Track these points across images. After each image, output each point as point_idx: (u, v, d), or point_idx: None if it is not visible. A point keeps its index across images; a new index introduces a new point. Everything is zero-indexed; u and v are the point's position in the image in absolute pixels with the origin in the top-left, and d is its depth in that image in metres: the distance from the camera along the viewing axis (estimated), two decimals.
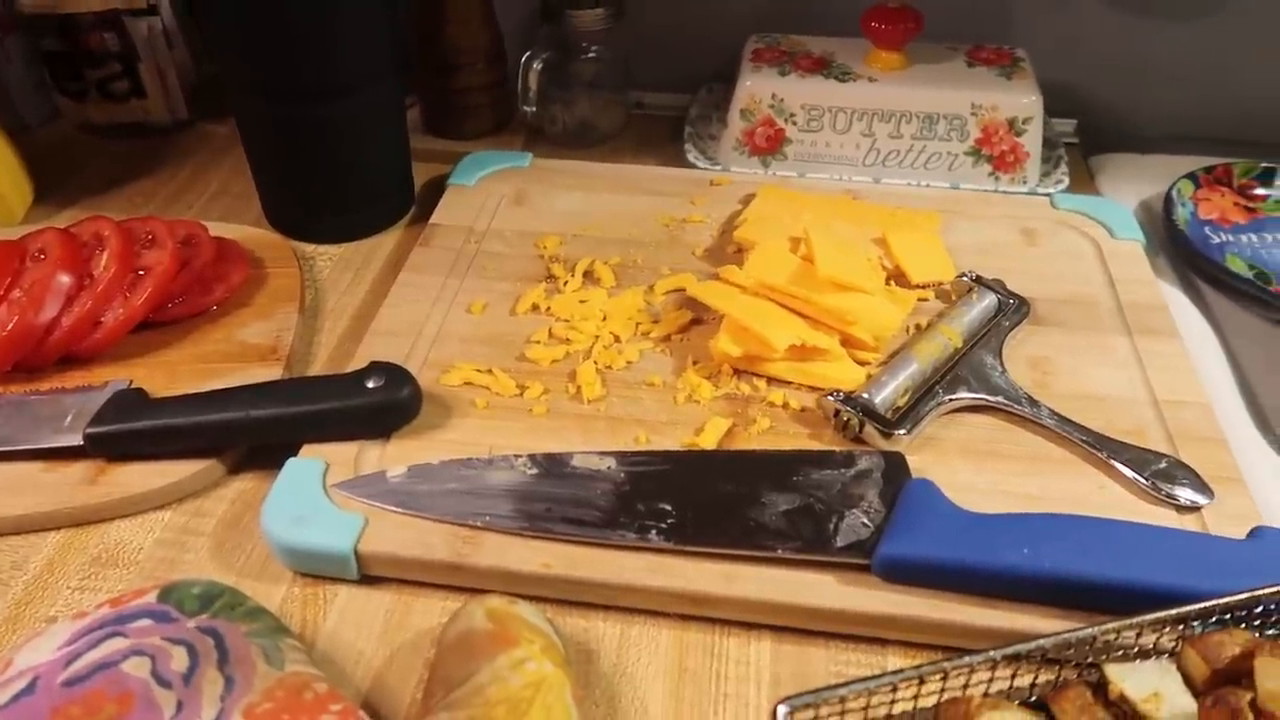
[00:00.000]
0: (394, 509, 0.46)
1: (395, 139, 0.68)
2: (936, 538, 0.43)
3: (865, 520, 0.45)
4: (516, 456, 0.48)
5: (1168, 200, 0.68)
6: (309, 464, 0.48)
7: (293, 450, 0.49)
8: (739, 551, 0.44)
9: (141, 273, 0.57)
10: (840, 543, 0.44)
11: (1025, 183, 0.70)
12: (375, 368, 0.50)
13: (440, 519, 0.45)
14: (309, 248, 0.67)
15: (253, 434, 0.49)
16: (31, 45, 0.77)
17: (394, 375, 0.50)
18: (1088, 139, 0.79)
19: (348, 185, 0.66)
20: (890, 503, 0.45)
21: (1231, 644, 0.36)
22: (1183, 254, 0.66)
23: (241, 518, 0.49)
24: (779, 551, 0.43)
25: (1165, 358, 0.55)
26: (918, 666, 0.35)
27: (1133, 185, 0.73)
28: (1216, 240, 0.66)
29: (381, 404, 0.49)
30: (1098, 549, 0.42)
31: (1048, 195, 0.69)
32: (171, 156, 0.78)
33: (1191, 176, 0.70)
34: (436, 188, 0.71)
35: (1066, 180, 0.70)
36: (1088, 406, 0.52)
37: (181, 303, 0.58)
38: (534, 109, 0.76)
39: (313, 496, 0.46)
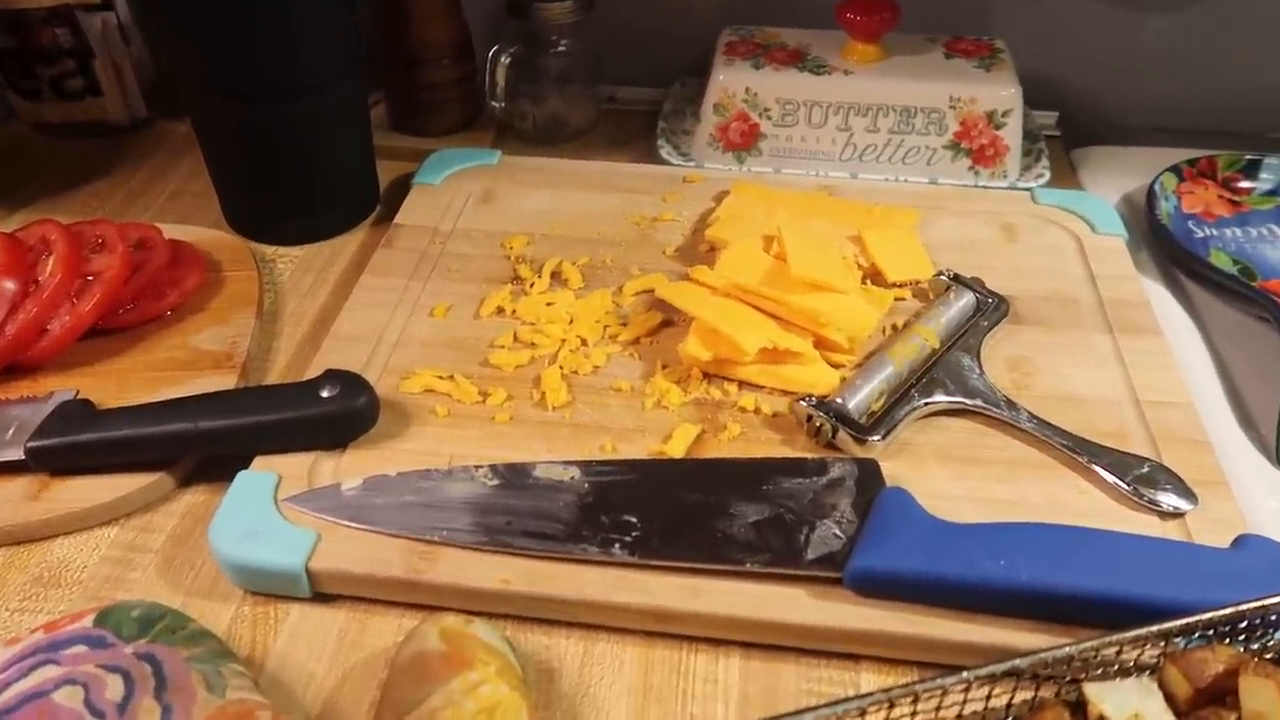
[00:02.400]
0: (348, 523, 0.44)
1: (359, 138, 0.66)
2: (910, 549, 0.41)
3: (837, 531, 0.43)
4: (477, 467, 0.46)
5: (1150, 194, 0.66)
6: (261, 477, 0.46)
7: (245, 462, 0.47)
8: (706, 565, 0.42)
9: (90, 278, 0.54)
10: (811, 555, 0.42)
11: (1005, 177, 0.69)
12: (330, 376, 0.48)
13: (396, 534, 0.44)
14: (269, 250, 0.65)
15: (202, 446, 0.48)
16: None
17: (350, 383, 0.48)
18: (1069, 131, 0.77)
19: (309, 186, 0.64)
20: (863, 513, 0.44)
21: (1215, 661, 0.34)
22: (1166, 249, 0.64)
23: (191, 533, 0.47)
24: (747, 565, 0.42)
25: (1148, 356, 0.54)
26: (887, 690, 0.33)
27: (1115, 178, 0.72)
28: (1200, 234, 0.65)
29: (336, 414, 0.47)
30: (1077, 560, 0.40)
31: (1028, 190, 0.67)
32: (129, 156, 0.76)
33: (1175, 169, 0.69)
34: (402, 186, 0.69)
35: (1048, 174, 0.69)
36: (1068, 408, 0.50)
37: (133, 309, 0.56)
38: (502, 105, 0.74)
39: (263, 511, 0.44)
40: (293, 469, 0.47)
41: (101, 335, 0.55)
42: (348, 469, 0.47)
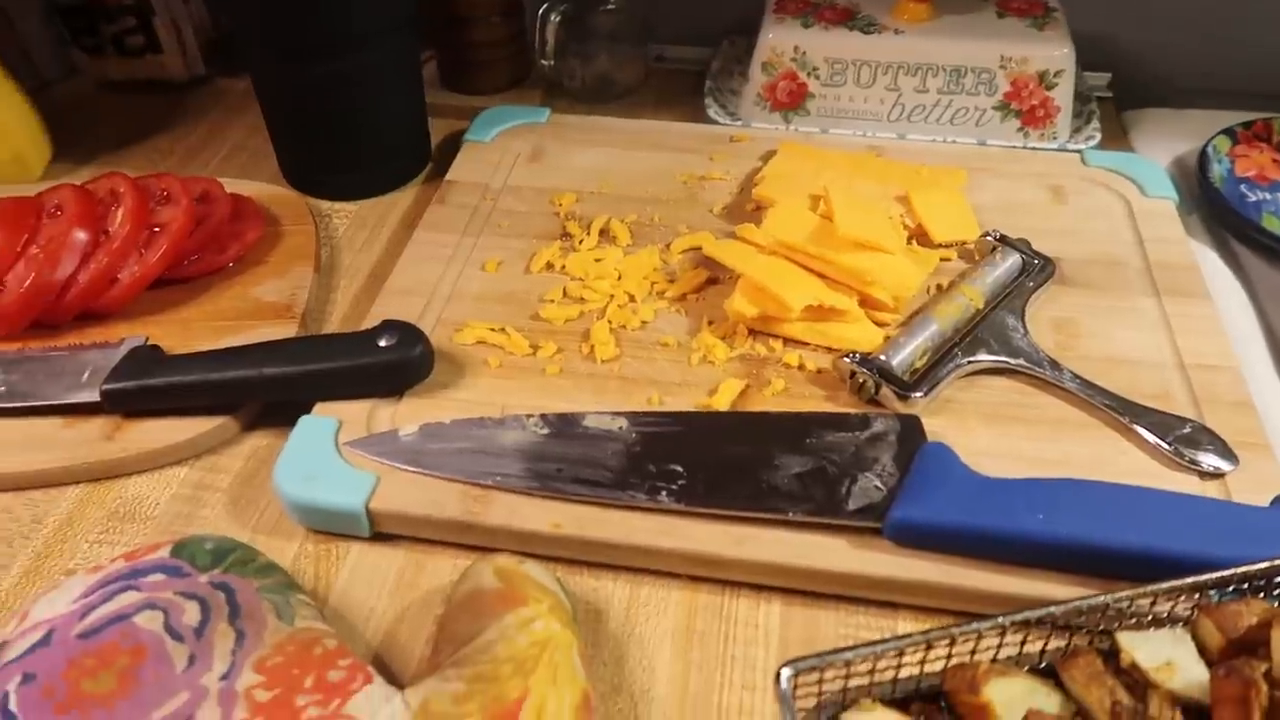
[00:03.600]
0: (405, 467, 0.46)
1: (411, 94, 0.67)
2: (950, 502, 0.42)
3: (878, 484, 0.44)
4: (528, 416, 0.48)
5: (1203, 157, 0.66)
6: (322, 422, 0.48)
7: (306, 408, 0.49)
8: (750, 514, 0.43)
9: (157, 230, 0.56)
10: (852, 506, 0.43)
11: (1055, 139, 0.68)
12: (388, 326, 0.50)
13: (451, 478, 0.45)
14: (325, 205, 0.66)
15: (266, 392, 0.50)
16: (49, 0, 0.77)
17: (406, 334, 0.50)
18: (1122, 93, 0.76)
19: (363, 141, 0.65)
20: (904, 466, 0.45)
21: (1249, 614, 0.35)
22: (1217, 213, 0.64)
23: (256, 474, 0.49)
24: (790, 514, 0.43)
25: (1194, 320, 0.54)
26: (925, 632, 0.34)
27: (1167, 141, 0.71)
28: (1253, 198, 0.64)
29: (393, 363, 0.49)
30: (1114, 515, 0.41)
31: (1078, 152, 0.67)
32: (188, 112, 0.78)
33: (1229, 132, 0.68)
34: (454, 144, 0.70)
35: (1098, 136, 0.68)
36: (1112, 370, 0.51)
37: (197, 260, 0.58)
38: (551, 63, 0.74)
39: (325, 454, 0.46)
40: (352, 415, 0.49)
41: (167, 285, 0.57)
42: (404, 416, 0.49)
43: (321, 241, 0.63)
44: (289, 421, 0.48)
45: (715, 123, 0.71)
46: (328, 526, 0.46)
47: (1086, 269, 0.57)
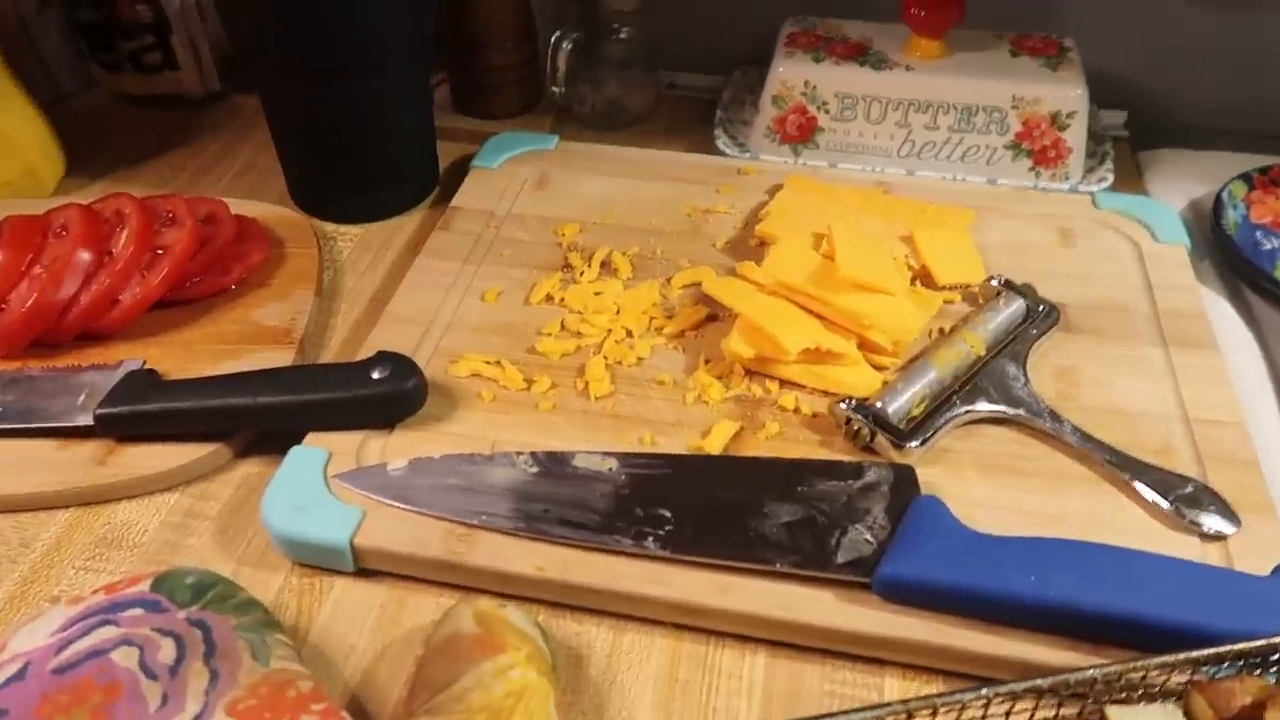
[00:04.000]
0: (392, 503, 0.46)
1: (421, 117, 0.67)
2: (940, 559, 0.41)
3: (868, 536, 0.43)
4: (518, 454, 0.48)
5: (1218, 202, 0.65)
6: (312, 453, 0.48)
7: (298, 437, 0.49)
8: (737, 563, 0.43)
9: (160, 251, 0.57)
10: (841, 559, 0.42)
11: (1068, 179, 0.67)
12: (382, 357, 0.50)
13: (437, 515, 0.45)
14: (330, 227, 0.67)
15: (259, 420, 0.50)
16: (68, 17, 0.77)
17: (400, 366, 0.49)
18: (1138, 133, 0.75)
19: (371, 164, 0.65)
20: (896, 519, 0.44)
21: (1243, 692, 0.34)
22: (1230, 260, 0.63)
23: (246, 503, 0.49)
24: (777, 565, 0.42)
25: (1201, 371, 0.53)
26: (905, 701, 0.34)
27: (1183, 184, 0.70)
28: (1268, 246, 0.63)
29: (386, 396, 0.49)
30: (1109, 579, 0.40)
31: (1090, 193, 0.66)
32: (202, 129, 0.78)
33: (1245, 177, 0.67)
34: (462, 168, 0.70)
35: (1111, 178, 0.67)
36: (1114, 421, 0.50)
37: (199, 282, 0.58)
38: (562, 89, 0.74)
39: (313, 487, 0.46)
40: (343, 446, 0.48)
41: (169, 307, 0.57)
42: (395, 449, 0.49)
43: (325, 265, 0.63)
44: (281, 449, 0.48)
45: (723, 154, 0.71)
46: (313, 560, 0.45)
47: (1092, 315, 0.56)
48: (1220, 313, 0.59)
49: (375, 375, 0.49)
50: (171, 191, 0.65)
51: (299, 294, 0.59)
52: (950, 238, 0.59)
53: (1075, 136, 0.66)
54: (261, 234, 0.62)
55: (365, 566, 0.45)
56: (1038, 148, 0.67)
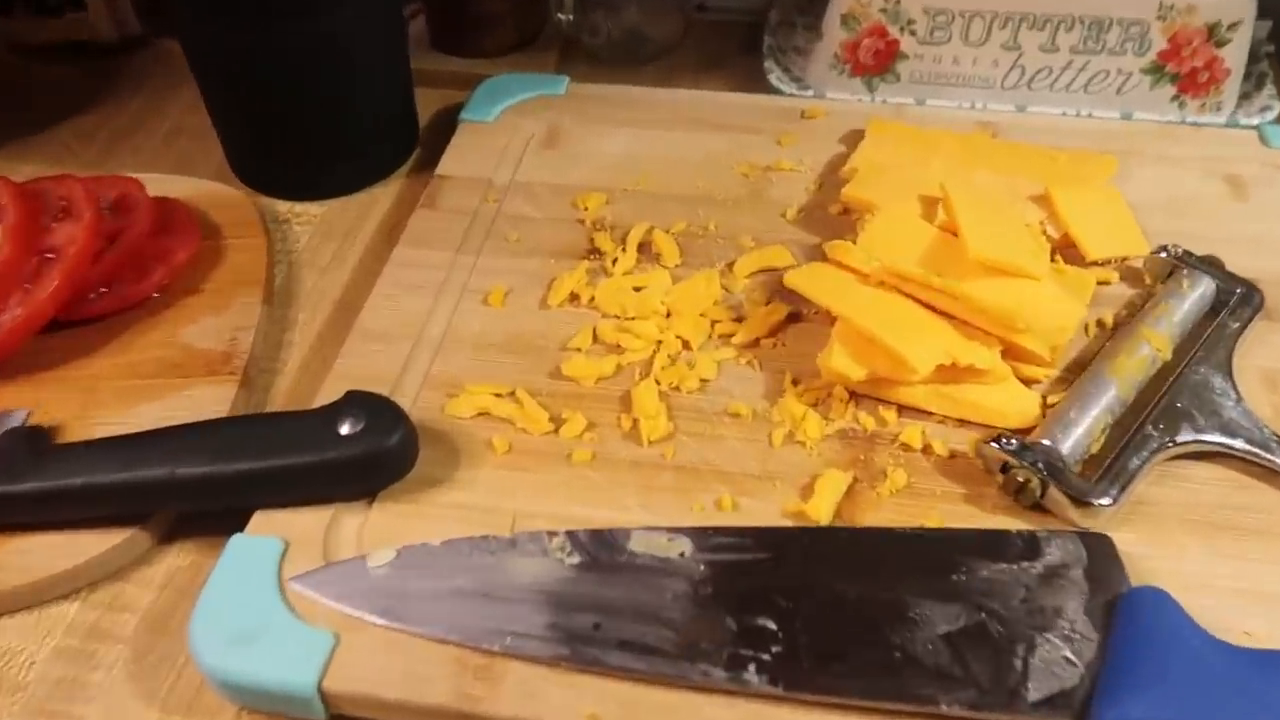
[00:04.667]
0: (377, 620, 0.32)
1: (391, 61, 0.52)
2: (1190, 697, 0.28)
3: (1068, 654, 0.30)
4: (551, 534, 0.34)
5: None
6: (260, 544, 0.34)
7: (241, 516, 0.35)
8: (881, 703, 0.30)
9: (50, 255, 0.42)
10: (1035, 694, 0.29)
11: (1220, 109, 0.53)
12: (353, 402, 0.36)
13: (443, 638, 0.32)
14: (282, 207, 0.52)
15: (185, 498, 0.36)
16: None
17: (378, 414, 0.36)
18: None
19: (330, 125, 0.50)
20: (1103, 624, 0.31)
21: None
22: None
23: (173, 613, 0.35)
24: (943, 706, 0.29)
25: None
26: None
27: None
28: None
29: (360, 459, 0.35)
30: None
31: (1253, 128, 0.51)
32: (120, 83, 0.62)
33: None
34: (447, 123, 0.55)
35: (1277, 107, 0.53)
36: None
37: (106, 294, 0.44)
38: (570, 17, 0.59)
39: (262, 598, 0.33)
40: (303, 531, 0.35)
41: (64, 329, 0.43)
42: (377, 532, 0.35)
43: (276, 259, 0.49)
44: (222, 528, 0.35)
45: (778, 92, 0.56)
46: (267, 708, 0.32)
47: None
48: None
49: (344, 430, 0.35)
50: (75, 170, 0.50)
51: (241, 302, 0.45)
52: (1098, 198, 0.45)
53: (1236, 55, 0.51)
54: (190, 222, 0.48)
55: (341, 714, 0.32)
56: (1185, 70, 0.52)
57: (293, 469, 0.35)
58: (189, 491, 0.35)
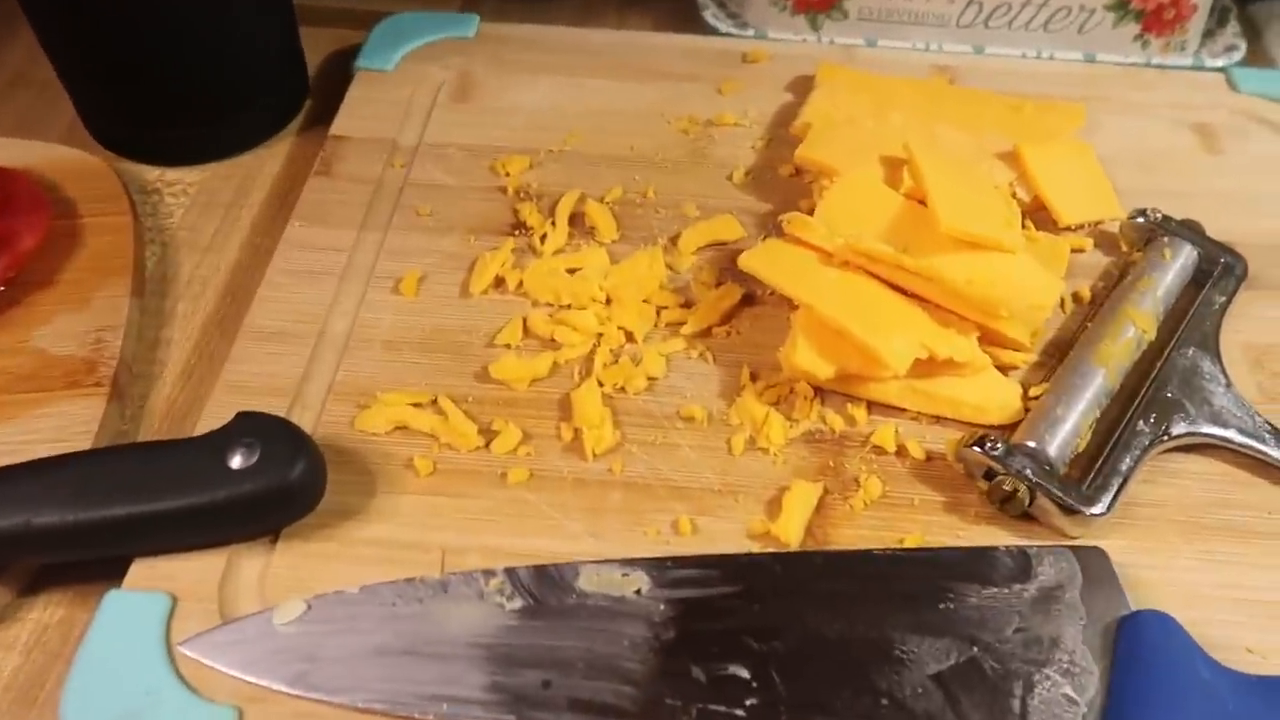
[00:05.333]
0: (286, 689, 0.27)
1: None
2: None
3: (1070, 691, 0.27)
4: (487, 574, 0.30)
5: None
6: (141, 601, 0.29)
7: (118, 567, 0.30)
8: None
9: None
10: None
11: (1184, 49, 0.50)
12: (244, 428, 0.30)
13: (366, 707, 0.27)
14: (151, 174, 0.45)
15: (42, 550, 0.30)
16: None
17: (275, 440, 0.30)
18: None
19: (200, 75, 0.43)
20: (1103, 653, 0.28)
21: None
22: None
23: (42, 681, 0.30)
24: None
25: None
26: None
27: None
28: None
29: (256, 495, 0.29)
30: None
31: (1220, 70, 0.48)
32: None
33: None
34: (342, 68, 0.48)
35: (1243, 46, 0.50)
36: None
37: None
38: None
39: (148, 667, 0.28)
40: (193, 583, 0.30)
41: None
42: (282, 579, 0.30)
43: (146, 239, 0.42)
44: (99, 574, 0.30)
45: (716, 31, 0.50)
46: None
47: (1273, 258, 0.40)
48: None
49: (236, 462, 0.30)
50: None
51: (107, 295, 0.38)
52: (1070, 154, 0.42)
53: None
54: (37, 197, 0.40)
55: None
56: (1150, 6, 0.48)
57: (174, 513, 0.29)
58: (49, 543, 0.29)
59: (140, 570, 0.30)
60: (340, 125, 0.44)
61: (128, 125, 0.45)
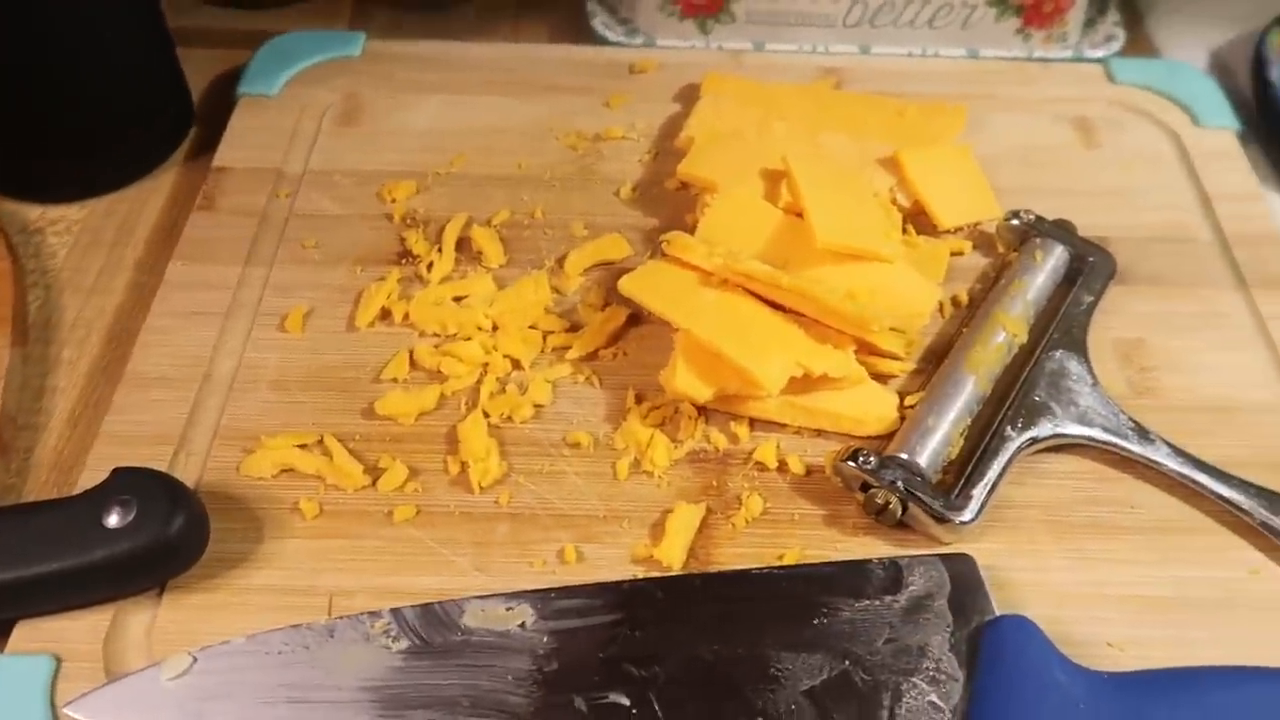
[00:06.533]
0: None
1: (143, 26, 0.44)
2: None
3: (934, 698, 0.28)
4: (373, 616, 0.30)
5: (1258, 58, 0.49)
6: (25, 664, 0.29)
7: (3, 628, 0.30)
8: None
9: None
10: None
11: (1065, 40, 0.51)
12: (120, 484, 0.30)
13: None
14: (32, 214, 0.44)
15: None
16: None
17: (152, 496, 0.30)
18: None
19: (73, 108, 0.42)
20: (969, 659, 0.29)
21: None
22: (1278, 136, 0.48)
23: None
24: None
25: None
26: None
27: (1197, 30, 0.54)
28: None
29: (134, 553, 0.30)
30: None
31: (1099, 61, 0.50)
32: None
33: None
34: (227, 92, 0.48)
35: (1122, 36, 0.51)
36: (1212, 425, 0.36)
37: None
38: None
39: None
40: (78, 642, 0.30)
41: None
42: (168, 632, 0.30)
43: (29, 282, 0.41)
44: None
45: (605, 40, 0.50)
46: None
47: (1146, 253, 0.41)
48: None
49: (113, 520, 0.30)
50: None
51: None
52: (949, 157, 0.42)
53: None
54: None
55: None
56: (1029, 0, 0.49)
57: (53, 575, 0.29)
58: None
59: (23, 632, 0.30)
60: (223, 156, 0.43)
61: (1, 161, 0.44)
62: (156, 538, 0.30)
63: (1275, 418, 0.36)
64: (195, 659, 0.29)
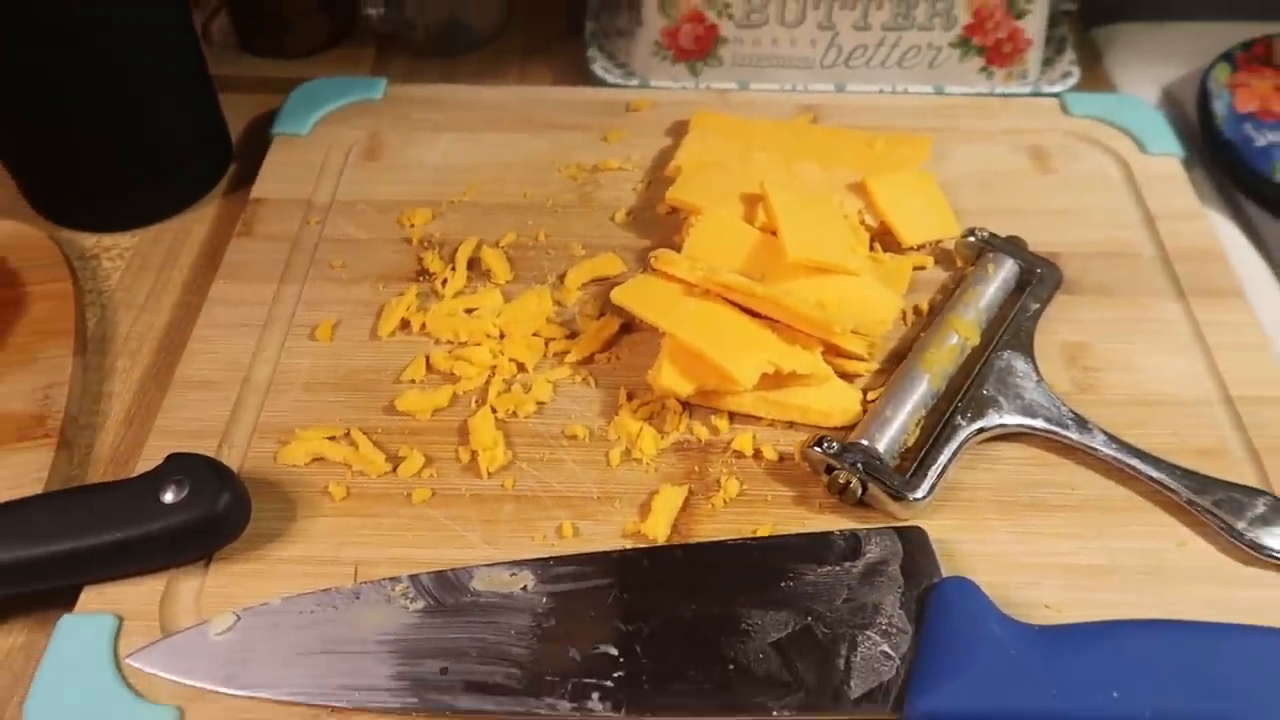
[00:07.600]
0: (221, 689, 0.32)
1: (188, 76, 0.49)
2: (988, 679, 0.31)
3: (886, 648, 0.32)
4: (393, 581, 0.34)
5: (1203, 91, 0.54)
6: (92, 622, 0.33)
7: (70, 596, 0.34)
8: (719, 716, 0.31)
9: None
10: (857, 690, 0.31)
11: (1025, 78, 0.55)
12: (174, 466, 0.35)
13: (290, 699, 0.32)
14: (89, 241, 0.49)
15: (3, 583, 0.34)
16: None
17: (203, 477, 0.35)
18: (1090, 4, 0.63)
19: (128, 148, 0.48)
20: (917, 615, 0.33)
21: None
22: (1226, 164, 0.52)
23: (8, 700, 0.34)
24: (774, 713, 0.31)
25: (1233, 331, 0.43)
26: None
27: (1150, 67, 0.59)
28: (1261, 142, 0.53)
29: (187, 526, 0.34)
30: (1219, 679, 0.30)
31: (1055, 95, 0.54)
32: None
33: (1227, 57, 0.56)
34: (263, 132, 0.53)
35: (1076, 72, 0.56)
36: (1147, 417, 0.40)
37: None
38: (381, 10, 0.57)
39: (100, 680, 0.32)
40: (137, 604, 0.34)
41: None
42: (215, 596, 0.34)
43: (87, 301, 0.46)
44: (56, 602, 0.34)
45: (603, 82, 0.55)
46: None
47: (1092, 267, 0.45)
48: (1225, 237, 0.49)
49: (168, 498, 0.34)
50: None
51: (51, 355, 0.42)
52: (911, 183, 0.47)
53: (1035, 25, 0.53)
54: None
55: None
56: (990, 42, 0.54)
57: (116, 544, 0.34)
58: (8, 577, 0.34)
59: (90, 596, 0.34)
60: (259, 189, 0.48)
61: (64, 196, 0.49)
62: (206, 513, 0.34)
63: (1205, 410, 0.40)
64: (239, 617, 0.33)
